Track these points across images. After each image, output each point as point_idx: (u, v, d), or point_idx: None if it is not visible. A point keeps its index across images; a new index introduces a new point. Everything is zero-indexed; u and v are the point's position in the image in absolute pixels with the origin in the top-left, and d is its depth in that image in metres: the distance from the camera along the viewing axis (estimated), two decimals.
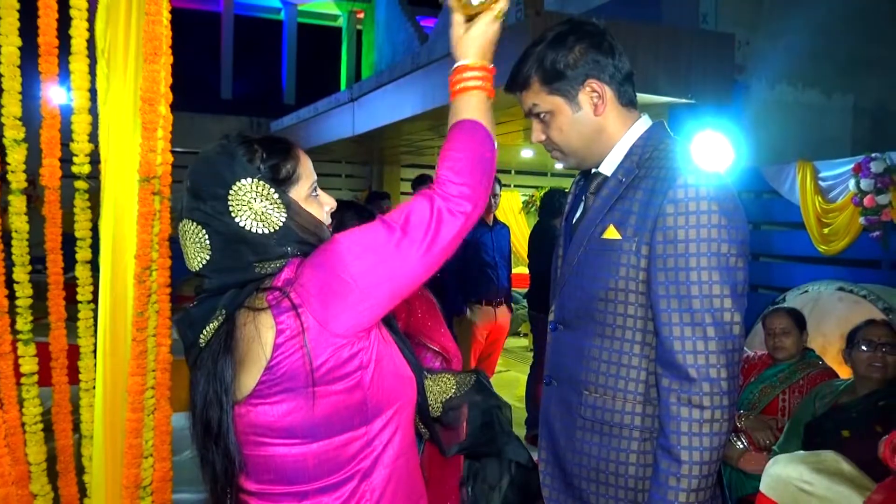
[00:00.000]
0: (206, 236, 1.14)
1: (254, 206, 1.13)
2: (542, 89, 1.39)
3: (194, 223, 1.15)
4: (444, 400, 1.44)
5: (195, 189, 1.15)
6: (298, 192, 1.19)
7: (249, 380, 1.12)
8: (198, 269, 1.16)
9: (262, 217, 1.13)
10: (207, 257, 1.15)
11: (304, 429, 1.12)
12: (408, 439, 1.25)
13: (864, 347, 2.68)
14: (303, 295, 1.09)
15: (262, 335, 1.10)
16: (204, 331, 1.14)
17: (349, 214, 1.84)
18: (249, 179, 1.13)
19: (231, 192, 1.13)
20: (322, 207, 1.24)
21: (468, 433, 1.50)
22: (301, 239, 1.16)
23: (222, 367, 1.11)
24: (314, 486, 1.14)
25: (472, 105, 1.23)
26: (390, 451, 1.19)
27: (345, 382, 1.12)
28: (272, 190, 1.15)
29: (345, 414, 1.13)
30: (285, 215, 1.15)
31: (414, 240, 1.11)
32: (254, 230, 1.13)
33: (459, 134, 1.20)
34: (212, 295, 1.16)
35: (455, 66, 1.25)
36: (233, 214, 1.13)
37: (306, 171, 1.22)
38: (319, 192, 1.25)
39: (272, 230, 1.14)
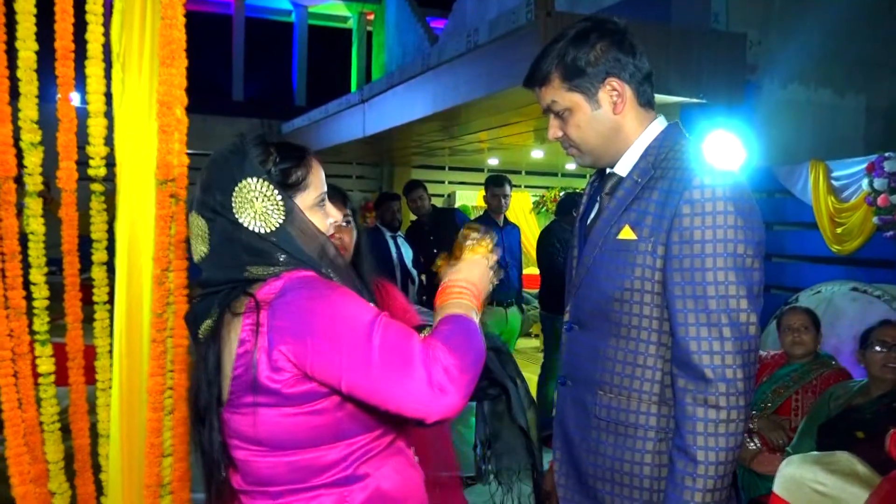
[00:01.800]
0: (208, 230, 1.18)
1: (255, 205, 1.16)
2: (561, 86, 1.38)
3: (200, 217, 1.19)
4: None
5: (205, 183, 1.19)
6: (304, 200, 1.21)
7: (225, 388, 1.16)
8: (197, 260, 1.21)
9: (262, 217, 1.16)
10: (206, 250, 1.19)
11: (270, 440, 1.14)
12: (397, 450, 1.26)
13: (878, 348, 2.67)
14: (272, 319, 1.10)
15: (231, 341, 1.14)
16: (202, 326, 1.19)
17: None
18: (255, 179, 1.16)
19: (237, 188, 1.16)
20: (326, 219, 1.26)
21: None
22: (297, 248, 1.17)
23: (208, 357, 1.16)
24: (288, 488, 1.17)
25: (461, 305, 1.21)
26: (375, 463, 1.20)
27: (309, 406, 1.13)
28: (276, 192, 1.17)
29: (313, 433, 1.14)
30: (283, 219, 1.17)
31: (390, 358, 1.06)
32: (252, 228, 1.16)
33: (461, 325, 1.15)
34: (212, 293, 1.19)
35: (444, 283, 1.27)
36: (235, 210, 1.16)
37: (317, 180, 1.24)
38: (327, 204, 1.27)
39: (269, 231, 1.16)
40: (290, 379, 1.10)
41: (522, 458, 1.56)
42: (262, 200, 1.16)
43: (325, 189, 1.26)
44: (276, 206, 1.16)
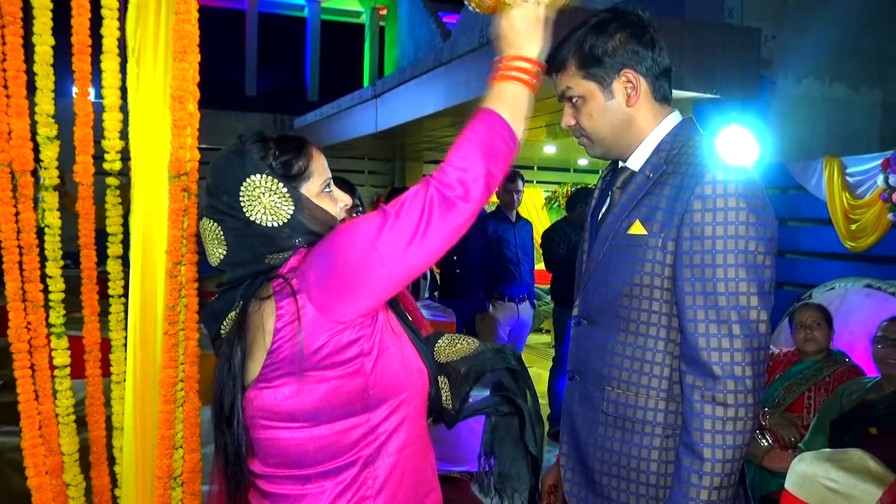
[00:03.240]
0: (222, 232, 1.19)
1: (263, 200, 1.18)
2: (577, 73, 1.39)
3: (211, 220, 1.20)
4: (460, 357, 1.45)
5: (212, 187, 1.21)
6: (310, 189, 1.23)
7: (256, 365, 1.16)
8: (216, 263, 1.22)
9: (272, 210, 1.18)
10: (224, 252, 1.20)
11: (304, 412, 1.15)
12: (417, 430, 1.27)
13: (880, 346, 2.67)
14: (303, 281, 1.13)
15: (265, 322, 1.15)
16: (224, 322, 1.20)
17: None
18: (259, 175, 1.18)
19: (242, 187, 1.17)
20: (335, 204, 1.27)
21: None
22: (310, 231, 1.20)
23: (233, 353, 1.17)
24: (316, 470, 1.18)
25: (496, 94, 1.22)
26: (396, 440, 1.21)
27: (344, 368, 1.14)
28: (281, 185, 1.19)
29: (345, 399, 1.16)
30: (293, 209, 1.18)
31: (407, 225, 1.10)
32: (264, 223, 1.17)
33: (473, 122, 1.19)
34: (231, 287, 1.21)
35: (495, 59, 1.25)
36: (244, 209, 1.17)
37: (319, 168, 1.26)
38: (334, 189, 1.28)
39: (281, 223, 1.18)
40: (346, 331, 1.13)
41: (525, 478, 1.56)
42: (269, 195, 1.18)
43: (330, 175, 1.28)
44: (283, 199, 1.18)
